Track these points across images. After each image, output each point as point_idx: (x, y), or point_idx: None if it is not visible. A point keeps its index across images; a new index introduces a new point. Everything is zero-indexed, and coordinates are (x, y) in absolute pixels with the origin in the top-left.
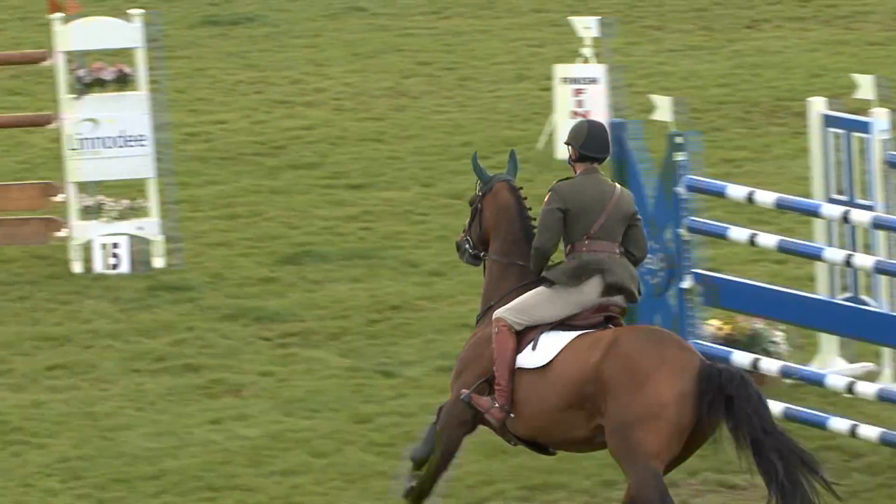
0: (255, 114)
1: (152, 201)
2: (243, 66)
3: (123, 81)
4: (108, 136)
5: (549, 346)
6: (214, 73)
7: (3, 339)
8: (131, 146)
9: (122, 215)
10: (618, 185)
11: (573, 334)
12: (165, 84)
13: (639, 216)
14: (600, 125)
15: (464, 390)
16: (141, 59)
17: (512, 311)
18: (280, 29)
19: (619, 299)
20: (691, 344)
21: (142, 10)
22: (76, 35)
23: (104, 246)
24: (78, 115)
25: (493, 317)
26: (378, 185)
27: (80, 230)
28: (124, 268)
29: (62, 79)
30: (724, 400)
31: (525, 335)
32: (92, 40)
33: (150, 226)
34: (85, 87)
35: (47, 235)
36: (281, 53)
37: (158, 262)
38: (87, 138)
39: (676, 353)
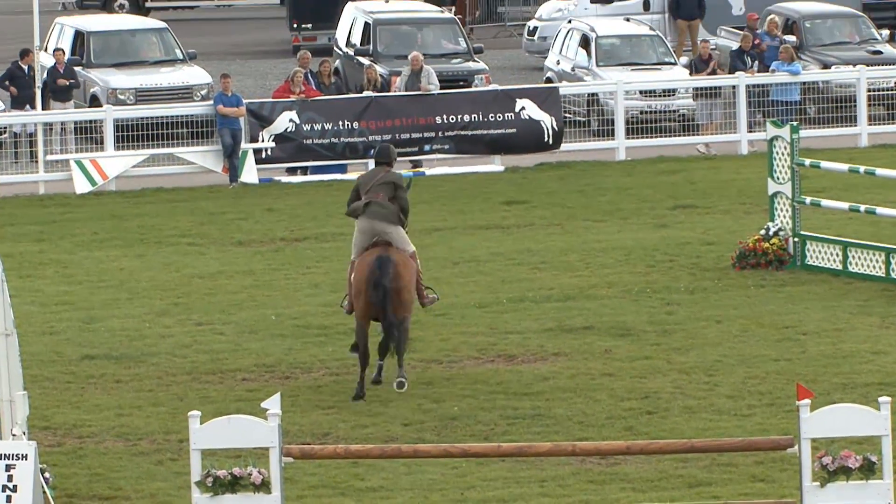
0: None
1: None
2: None
3: (869, 470)
4: None
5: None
6: None
7: None
8: None
9: None
10: (392, 171)
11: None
12: None
13: (401, 185)
14: (386, 144)
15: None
16: (888, 447)
17: (352, 250)
18: None
19: (382, 227)
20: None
21: (889, 399)
22: (822, 422)
23: None
24: None
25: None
26: None
27: None
28: None
29: (806, 466)
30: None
31: None
32: (837, 428)
33: None
34: (829, 474)
35: None
36: None
37: None
38: None
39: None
